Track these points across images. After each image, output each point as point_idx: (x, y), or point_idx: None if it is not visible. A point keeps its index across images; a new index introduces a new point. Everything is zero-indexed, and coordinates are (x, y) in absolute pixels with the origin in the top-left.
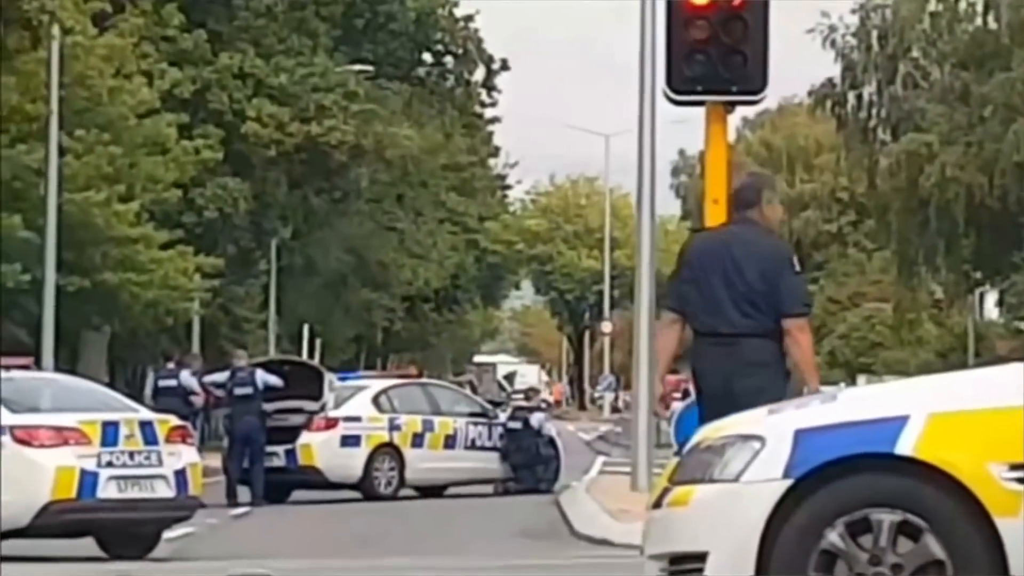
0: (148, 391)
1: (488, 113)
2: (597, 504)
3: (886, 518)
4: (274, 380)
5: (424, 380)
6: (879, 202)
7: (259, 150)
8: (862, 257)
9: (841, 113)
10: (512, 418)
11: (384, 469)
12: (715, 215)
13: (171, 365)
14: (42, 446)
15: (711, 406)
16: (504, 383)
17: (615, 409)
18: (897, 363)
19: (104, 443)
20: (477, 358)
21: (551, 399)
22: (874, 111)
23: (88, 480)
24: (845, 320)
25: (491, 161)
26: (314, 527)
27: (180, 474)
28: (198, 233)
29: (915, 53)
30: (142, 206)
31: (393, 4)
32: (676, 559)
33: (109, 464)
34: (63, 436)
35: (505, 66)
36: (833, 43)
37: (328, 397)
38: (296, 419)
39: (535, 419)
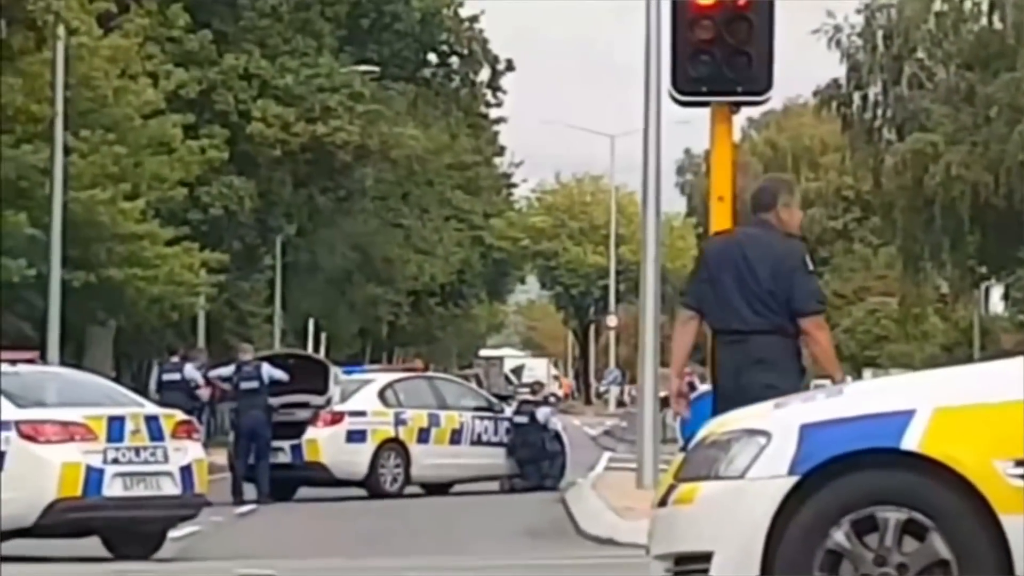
0: (152, 385)
1: (493, 113)
2: (603, 502)
3: (892, 516)
4: (280, 374)
5: (430, 374)
6: (884, 200)
7: (264, 150)
8: (867, 252)
9: (846, 113)
10: (518, 412)
11: (390, 466)
12: (720, 213)
13: (175, 359)
14: (48, 442)
15: (723, 402)
16: (512, 377)
17: (620, 403)
18: (903, 357)
19: (110, 439)
20: (483, 352)
21: (560, 393)
22: (879, 111)
23: (94, 477)
24: (851, 314)
25: (496, 160)
26: (319, 526)
27: (186, 471)
28: (204, 230)
29: (920, 53)
30: (148, 204)
31: (398, 4)
32: (681, 559)
33: (115, 460)
34: (69, 431)
35: (510, 66)
36: (838, 43)
37: (334, 391)
38: (302, 414)
39: (541, 413)
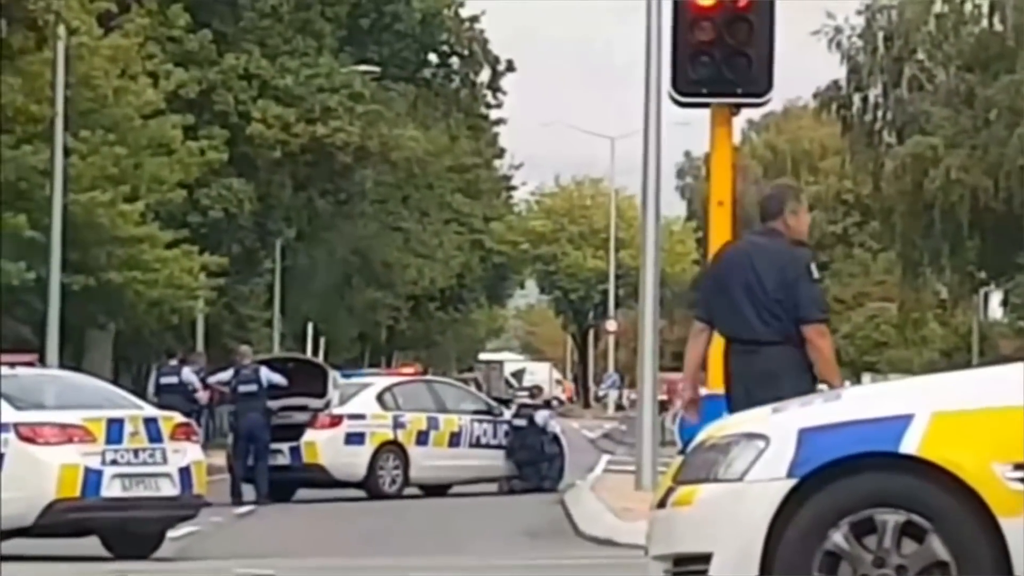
0: (151, 388)
1: (493, 115)
2: (601, 503)
3: (890, 519)
4: (278, 379)
5: (429, 377)
6: (884, 204)
7: (264, 151)
8: (867, 257)
9: (846, 116)
10: (517, 415)
11: (388, 467)
12: (720, 217)
13: (173, 362)
14: (46, 443)
15: (736, 411)
16: (512, 381)
17: (619, 407)
18: (902, 362)
19: (109, 440)
20: (482, 356)
21: (563, 397)
22: (879, 114)
23: (92, 478)
24: (850, 320)
25: (496, 163)
26: (318, 526)
27: (184, 472)
28: (203, 233)
29: (920, 55)
30: (147, 206)
31: (399, 5)
32: (680, 560)
33: (113, 462)
34: (67, 433)
35: (511, 67)
36: (838, 45)
37: (332, 394)
38: (301, 417)
39: (540, 416)
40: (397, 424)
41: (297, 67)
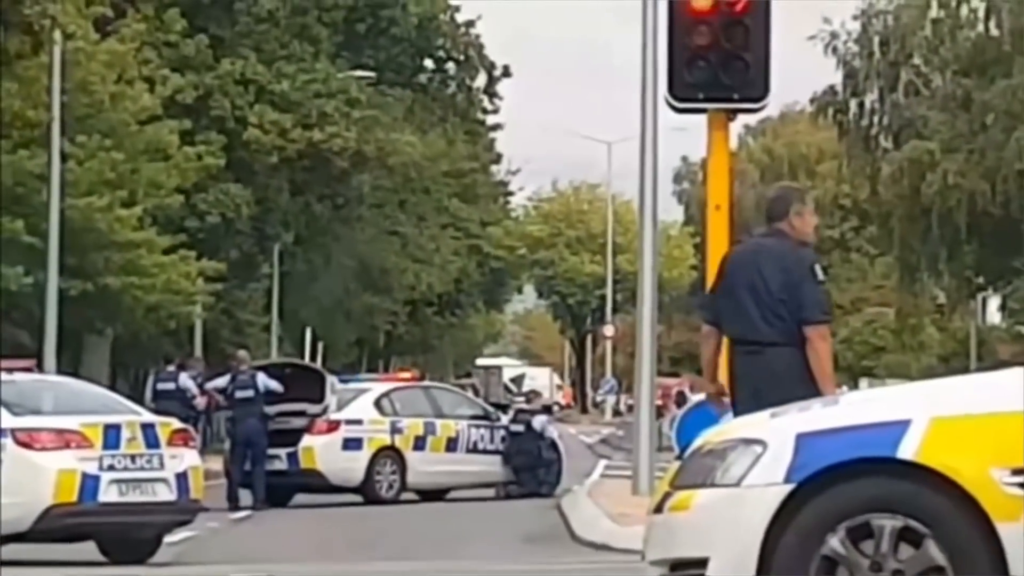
0: (148, 394)
1: (490, 120)
2: (598, 508)
3: (887, 524)
4: (275, 385)
5: (426, 383)
6: (881, 209)
7: (261, 156)
8: (864, 262)
9: (843, 120)
10: (514, 421)
11: (386, 472)
12: (717, 222)
13: (171, 368)
14: (43, 449)
15: (742, 414)
16: (511, 386)
17: (616, 412)
18: (899, 367)
19: (106, 446)
20: (480, 361)
21: (563, 402)
22: (876, 119)
23: (89, 484)
24: (847, 324)
25: (493, 167)
26: (315, 531)
27: (181, 477)
28: (200, 238)
29: (917, 60)
30: (145, 211)
31: (395, 10)
32: (677, 565)
33: (111, 467)
34: (64, 439)
35: (507, 72)
36: (835, 50)
37: (330, 400)
38: (298, 422)
39: (537, 422)
40: (394, 429)
41: (294, 72)
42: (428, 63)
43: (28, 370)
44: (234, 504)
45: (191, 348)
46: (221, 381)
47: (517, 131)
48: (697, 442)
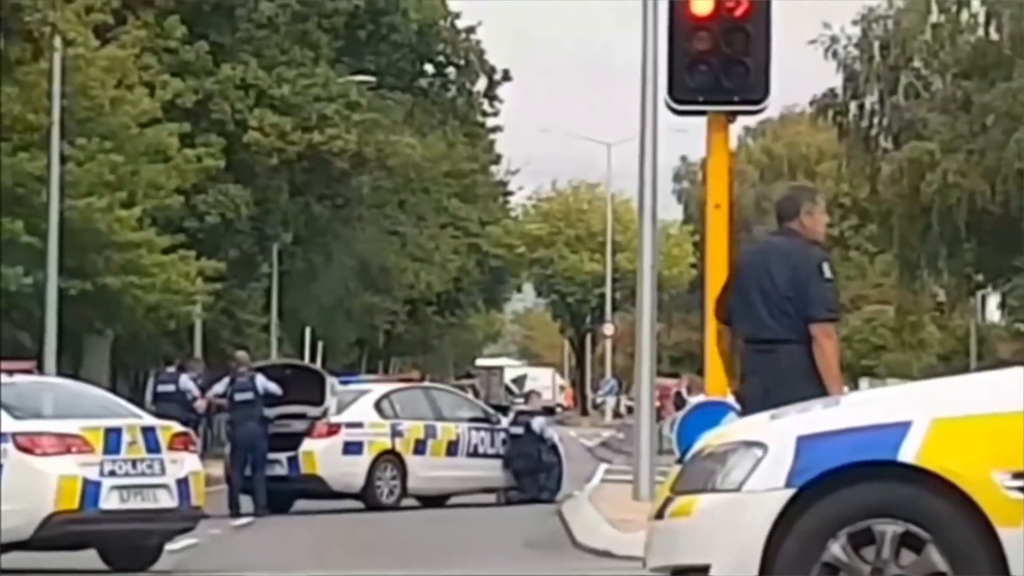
0: (148, 396)
1: (490, 122)
2: (599, 514)
3: (889, 529)
4: (274, 387)
5: (426, 384)
6: (881, 208)
7: (261, 159)
8: (864, 260)
9: (843, 122)
10: (514, 423)
11: (386, 478)
12: (716, 221)
13: (171, 369)
14: (45, 454)
15: (751, 411)
16: (512, 387)
17: (617, 414)
18: (899, 366)
19: (107, 451)
20: (479, 361)
21: (566, 403)
22: (876, 120)
23: (90, 490)
24: (847, 323)
25: (493, 168)
26: (317, 538)
27: (183, 483)
28: (200, 238)
29: (917, 63)
30: (144, 212)
31: (395, 16)
32: (679, 572)
33: (112, 473)
34: (66, 444)
35: (507, 76)
36: (835, 54)
37: (330, 402)
38: (298, 425)
39: (536, 423)
40: (395, 433)
41: (294, 77)
42: (428, 68)
43: (28, 372)
44: (235, 511)
45: (191, 348)
46: (219, 387)
47: (517, 132)
48: (697, 445)
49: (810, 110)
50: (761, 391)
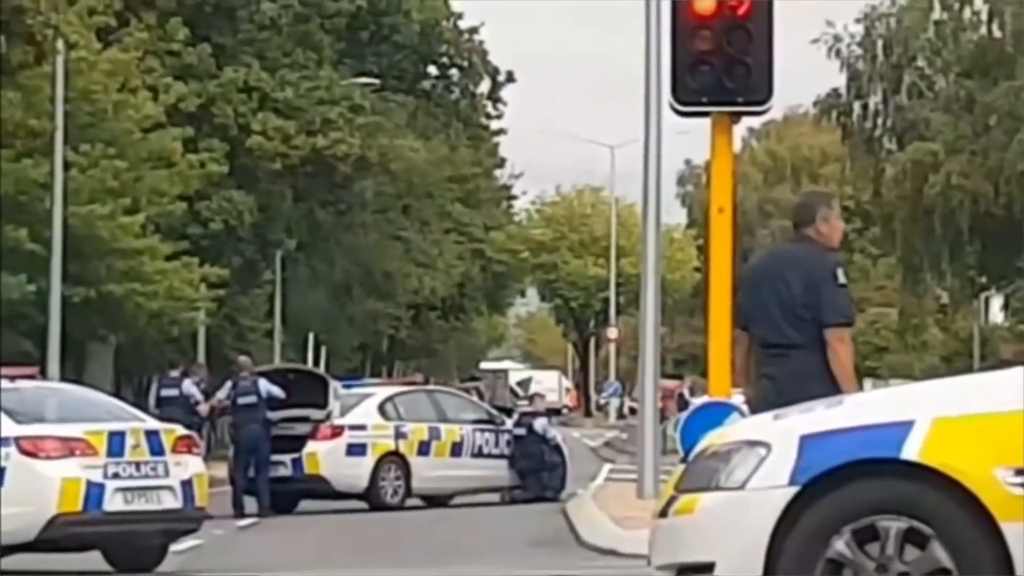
0: (152, 401)
1: (493, 125)
2: (604, 512)
3: (893, 525)
4: (277, 391)
5: (430, 387)
6: (884, 210)
7: (264, 163)
8: (867, 263)
9: (846, 123)
10: (517, 424)
11: (390, 478)
12: (720, 225)
13: (174, 374)
14: (48, 457)
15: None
16: (517, 390)
17: (621, 415)
18: (902, 367)
19: (110, 453)
20: (483, 364)
21: (571, 404)
22: (879, 120)
23: (94, 492)
24: None
25: (496, 172)
26: (320, 538)
27: (187, 485)
28: (203, 245)
29: (920, 62)
30: (147, 219)
31: (397, 17)
32: (683, 570)
33: (115, 475)
34: (69, 447)
35: (511, 78)
36: (838, 53)
37: (333, 405)
38: (302, 428)
39: (539, 424)
40: (399, 434)
41: (297, 80)
42: (431, 70)
43: (31, 377)
44: (239, 511)
45: (194, 354)
46: (222, 393)
47: (520, 136)
48: (701, 444)
49: (813, 110)
50: (775, 394)
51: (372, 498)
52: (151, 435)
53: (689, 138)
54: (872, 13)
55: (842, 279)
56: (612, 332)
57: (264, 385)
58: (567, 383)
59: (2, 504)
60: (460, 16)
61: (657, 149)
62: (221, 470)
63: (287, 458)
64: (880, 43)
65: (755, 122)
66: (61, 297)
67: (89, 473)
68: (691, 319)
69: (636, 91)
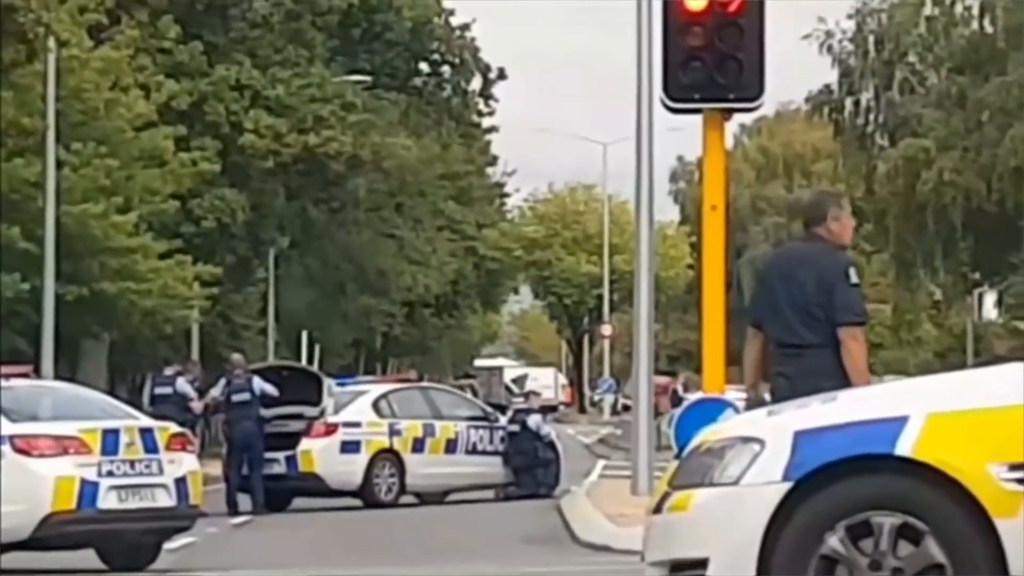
0: (145, 399)
1: (485, 122)
2: (598, 509)
3: (886, 521)
4: (270, 389)
5: (424, 384)
6: (877, 207)
7: (256, 161)
8: (860, 259)
9: (838, 119)
10: (511, 421)
11: (384, 475)
12: (713, 222)
13: (168, 372)
14: (42, 456)
15: None
16: (512, 387)
17: (615, 412)
18: (896, 363)
19: (104, 452)
20: (477, 362)
21: (567, 400)
22: (871, 117)
23: (88, 490)
24: None
25: (489, 170)
26: (315, 536)
27: (180, 483)
28: (196, 243)
29: (912, 58)
30: (140, 217)
31: (389, 15)
32: (677, 566)
33: (109, 473)
34: (63, 445)
35: (502, 75)
36: (830, 49)
37: (327, 402)
38: (296, 425)
39: (532, 421)
40: (393, 432)
41: (288, 77)
42: (423, 67)
43: (25, 376)
44: (233, 509)
45: (188, 352)
46: (216, 390)
47: (512, 133)
48: (695, 441)
49: (805, 107)
50: (789, 392)
51: (366, 496)
52: (145, 433)
53: (681, 135)
54: (864, 9)
55: (854, 278)
56: (606, 329)
57: (257, 383)
58: (563, 380)
59: None
60: (452, 13)
61: (649, 146)
62: (215, 468)
63: (281, 456)
64: (872, 39)
65: (747, 119)
66: (55, 295)
67: (83, 471)
68: (685, 315)
69: (628, 89)
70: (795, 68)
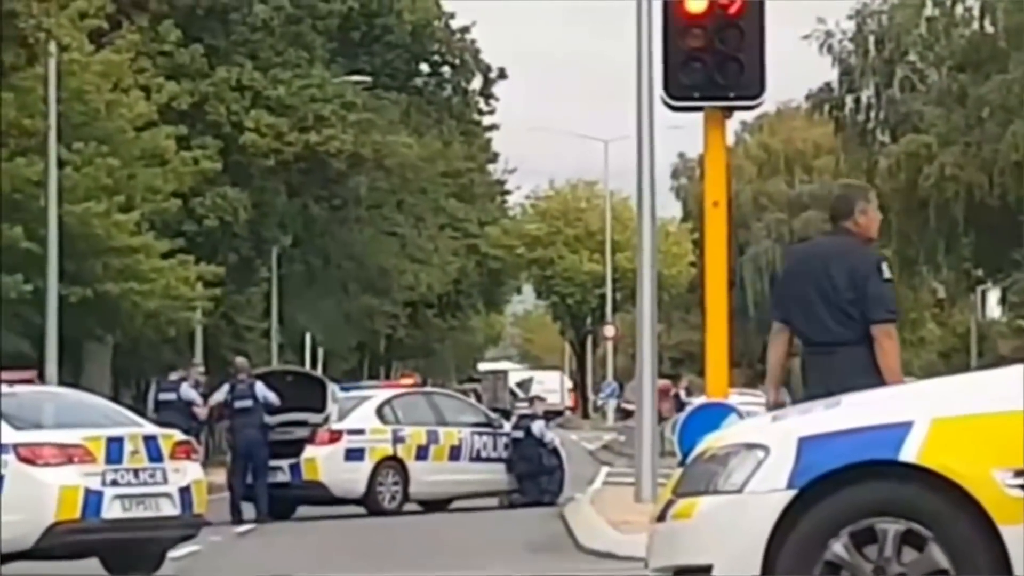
0: (150, 405)
1: (486, 120)
2: (601, 516)
3: (891, 527)
4: (272, 397)
5: (428, 389)
6: (878, 202)
7: (258, 160)
8: None
9: (839, 116)
10: (515, 427)
11: (388, 483)
12: (715, 218)
13: (173, 378)
14: (46, 464)
15: None
16: (517, 391)
17: (619, 415)
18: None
19: (109, 460)
20: (482, 365)
21: (572, 404)
22: (872, 114)
23: (92, 500)
24: None
25: (490, 167)
26: (319, 544)
27: (185, 491)
28: (198, 242)
29: (912, 57)
30: (142, 216)
31: (389, 18)
32: (681, 572)
33: (114, 482)
34: (67, 454)
35: (503, 74)
36: (830, 48)
37: (331, 408)
38: (300, 432)
39: (536, 427)
40: (396, 439)
41: (289, 79)
42: (423, 67)
43: (29, 381)
44: (237, 518)
45: (191, 354)
46: (219, 394)
47: (514, 132)
48: (699, 448)
49: (806, 105)
50: (823, 391)
51: (370, 503)
52: (149, 441)
53: (683, 131)
54: (864, 10)
55: (887, 274)
56: (609, 330)
57: (260, 389)
58: (569, 384)
59: (0, 512)
60: (452, 16)
61: (651, 143)
62: (219, 476)
63: (285, 464)
64: (872, 39)
65: (748, 116)
66: (58, 297)
67: (87, 480)
68: (687, 315)
69: (628, 88)
70: (795, 67)
